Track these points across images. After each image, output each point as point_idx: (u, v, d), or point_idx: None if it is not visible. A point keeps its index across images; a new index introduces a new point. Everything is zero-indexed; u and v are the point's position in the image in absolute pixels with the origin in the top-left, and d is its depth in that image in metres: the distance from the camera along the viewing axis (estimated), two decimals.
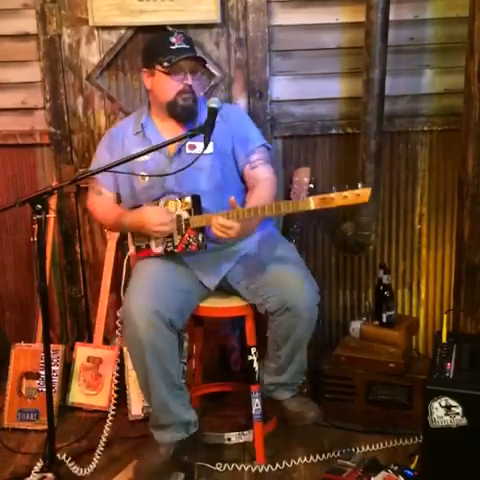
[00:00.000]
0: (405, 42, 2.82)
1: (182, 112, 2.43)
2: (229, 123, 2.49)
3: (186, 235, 2.36)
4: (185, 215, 2.36)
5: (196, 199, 2.36)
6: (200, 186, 2.44)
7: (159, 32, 2.64)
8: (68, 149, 3.00)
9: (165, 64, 2.38)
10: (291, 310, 2.31)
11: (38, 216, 2.12)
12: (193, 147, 2.43)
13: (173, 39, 2.39)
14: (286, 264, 2.41)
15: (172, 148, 2.43)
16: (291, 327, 2.36)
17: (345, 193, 2.06)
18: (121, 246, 3.02)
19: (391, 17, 2.62)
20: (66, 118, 2.98)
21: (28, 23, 2.88)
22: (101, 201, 2.57)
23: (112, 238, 2.98)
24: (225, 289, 2.52)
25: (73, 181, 2.33)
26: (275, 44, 2.84)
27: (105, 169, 2.24)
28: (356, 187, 2.06)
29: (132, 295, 2.34)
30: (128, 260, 2.68)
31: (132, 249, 2.56)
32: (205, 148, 2.24)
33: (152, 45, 2.48)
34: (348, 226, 2.94)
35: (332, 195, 2.07)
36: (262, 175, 2.50)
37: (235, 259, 2.50)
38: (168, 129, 2.47)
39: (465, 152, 2.55)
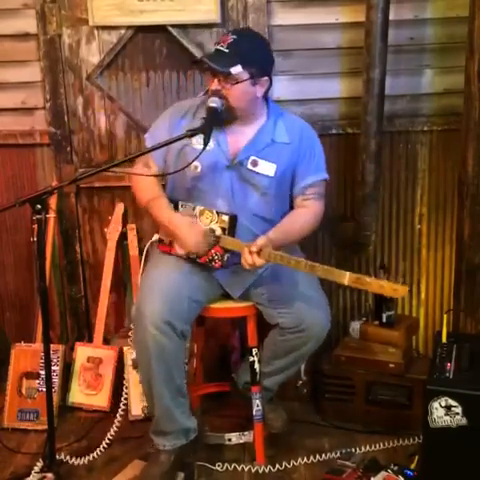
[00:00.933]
0: (405, 42, 2.82)
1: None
2: (298, 146, 2.40)
3: (213, 251, 2.32)
4: (218, 231, 2.31)
5: (233, 220, 2.30)
6: (250, 203, 2.38)
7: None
8: (68, 149, 3.00)
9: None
10: (304, 332, 2.33)
11: (38, 216, 2.12)
12: (255, 164, 2.36)
13: (222, 38, 2.29)
14: (307, 285, 2.40)
15: (234, 151, 2.36)
16: (297, 346, 2.38)
17: (382, 283, 2.05)
18: (121, 246, 3.03)
19: (391, 17, 2.62)
20: (66, 118, 2.97)
21: (28, 23, 2.88)
22: (145, 181, 2.42)
23: (112, 238, 2.99)
24: (242, 296, 2.48)
25: (73, 181, 2.33)
26: (275, 44, 2.84)
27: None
28: (396, 281, 2.09)
29: (147, 297, 2.28)
30: (147, 251, 2.59)
31: (155, 238, 2.48)
32: (204, 148, 2.23)
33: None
34: (348, 226, 2.94)
35: (368, 280, 2.05)
36: (311, 209, 2.43)
37: (260, 270, 2.40)
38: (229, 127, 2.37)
39: (465, 152, 2.55)
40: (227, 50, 2.24)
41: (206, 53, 2.31)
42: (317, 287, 2.46)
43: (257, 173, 2.36)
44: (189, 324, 2.33)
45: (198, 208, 2.35)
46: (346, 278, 2.07)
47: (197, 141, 2.30)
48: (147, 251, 2.57)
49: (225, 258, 2.32)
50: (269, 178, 2.37)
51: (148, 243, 2.57)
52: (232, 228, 2.30)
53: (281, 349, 2.42)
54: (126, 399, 2.71)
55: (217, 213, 2.31)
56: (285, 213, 2.43)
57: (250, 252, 2.18)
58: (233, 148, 2.37)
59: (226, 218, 2.30)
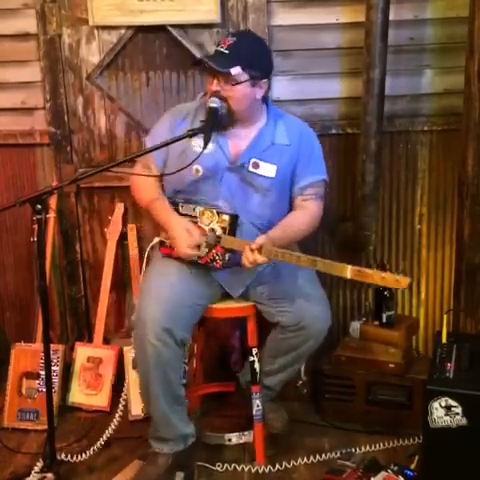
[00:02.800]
0: (405, 42, 2.82)
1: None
2: (298, 148, 2.41)
3: (214, 251, 2.32)
4: (219, 231, 2.31)
5: (234, 219, 2.30)
6: (251, 205, 2.38)
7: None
8: (68, 149, 3.00)
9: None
10: (304, 329, 2.33)
11: (38, 216, 2.13)
12: (256, 166, 2.37)
13: (222, 39, 2.30)
14: (306, 282, 2.40)
15: (234, 152, 2.37)
16: (297, 344, 2.38)
17: (384, 274, 2.06)
18: (121, 246, 3.03)
19: (391, 17, 2.62)
20: (66, 118, 2.97)
21: (28, 23, 2.88)
22: (145, 182, 2.44)
23: (112, 238, 2.99)
24: (242, 295, 2.48)
25: (73, 181, 2.33)
26: (275, 44, 2.84)
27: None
28: (398, 272, 2.08)
29: (148, 303, 2.28)
30: (148, 254, 2.56)
31: (156, 240, 2.48)
32: (204, 148, 2.23)
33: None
34: (348, 226, 2.94)
35: (370, 272, 2.07)
36: (309, 210, 2.44)
37: (259, 268, 2.41)
38: (230, 130, 2.37)
39: (465, 152, 2.55)
40: (227, 51, 2.25)
41: (206, 54, 2.31)
42: (317, 285, 2.46)
43: (258, 175, 2.37)
44: (189, 331, 2.34)
45: (198, 208, 2.35)
46: (348, 271, 2.09)
47: (198, 144, 2.30)
48: (148, 254, 2.56)
49: (226, 258, 2.32)
50: (270, 179, 2.38)
51: (149, 247, 2.55)
52: (233, 227, 2.30)
53: (282, 347, 2.42)
54: (125, 400, 2.71)
55: (217, 213, 2.31)
56: (285, 214, 2.44)
57: (251, 250, 2.19)
58: (234, 150, 2.38)
59: (226, 217, 2.30)
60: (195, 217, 2.35)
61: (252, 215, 2.37)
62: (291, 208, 2.47)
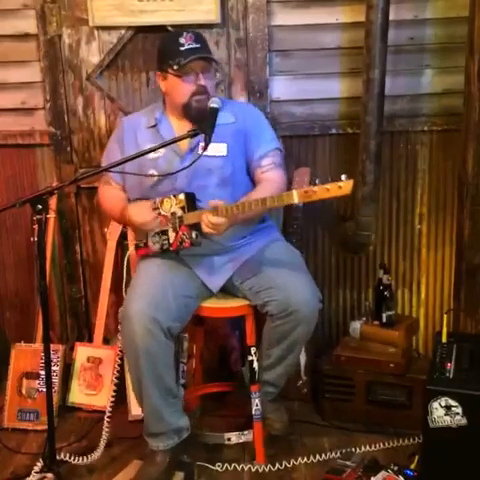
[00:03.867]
0: (405, 42, 2.83)
1: (197, 114, 2.38)
2: (243, 123, 2.47)
3: (180, 232, 2.36)
4: (179, 212, 2.35)
5: (190, 196, 2.35)
6: (210, 187, 2.42)
7: (170, 33, 2.60)
8: (68, 149, 3.01)
9: (175, 67, 2.35)
10: (292, 315, 2.32)
11: (38, 216, 2.12)
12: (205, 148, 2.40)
13: (182, 40, 2.34)
14: (291, 269, 2.40)
15: (184, 148, 2.42)
16: (288, 331, 2.37)
17: (327, 186, 2.04)
18: (121, 246, 3.03)
19: (391, 17, 2.62)
20: (66, 118, 2.98)
21: (28, 23, 2.88)
22: (109, 191, 2.57)
23: (112, 238, 2.98)
24: (228, 290, 2.51)
25: (73, 181, 2.33)
26: (275, 44, 2.85)
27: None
28: (339, 179, 2.03)
29: (132, 298, 2.33)
30: (128, 260, 2.68)
31: (131, 248, 2.56)
32: (205, 149, 2.24)
33: (163, 47, 2.44)
34: (348, 226, 2.94)
35: (315, 188, 2.06)
36: (270, 179, 2.46)
37: (239, 262, 2.48)
38: (183, 128, 2.40)
39: (465, 152, 2.55)
40: (198, 44, 2.36)
41: (185, 55, 2.33)
42: (302, 270, 2.45)
43: (209, 156, 2.36)
44: (177, 322, 2.34)
45: (157, 199, 2.41)
46: (294, 196, 2.09)
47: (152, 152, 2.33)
48: (128, 263, 2.66)
49: (193, 235, 2.34)
50: (223, 158, 2.42)
51: (126, 257, 2.67)
52: (191, 204, 2.35)
53: (273, 336, 2.41)
54: (119, 397, 2.71)
55: (174, 196, 2.37)
56: (248, 183, 2.49)
57: (206, 215, 2.22)
58: (182, 143, 2.40)
59: (182, 196, 2.35)
60: (157, 208, 2.41)
61: (213, 198, 2.35)
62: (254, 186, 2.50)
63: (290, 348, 2.44)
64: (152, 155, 2.35)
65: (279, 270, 2.40)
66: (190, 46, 2.34)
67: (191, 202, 2.36)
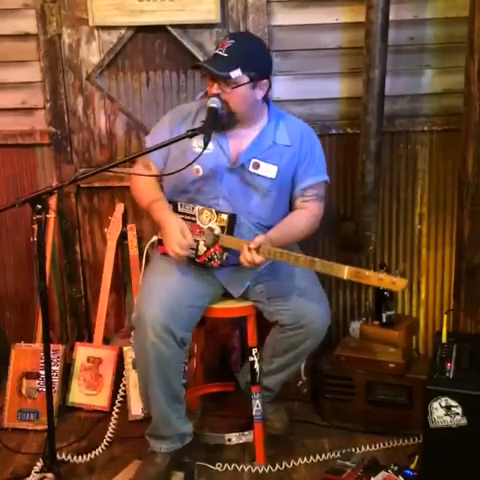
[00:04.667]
0: (405, 42, 2.82)
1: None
2: (299, 149, 2.41)
3: (212, 250, 2.32)
4: (217, 230, 2.30)
5: (232, 219, 2.30)
6: (251, 205, 2.38)
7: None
8: (68, 149, 3.00)
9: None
10: (303, 328, 2.33)
11: (38, 216, 2.12)
12: (257, 166, 2.36)
13: (220, 43, 2.30)
14: (306, 282, 2.40)
15: (234, 152, 2.37)
16: (297, 343, 2.38)
17: (381, 276, 2.06)
18: (121, 246, 3.03)
19: (391, 17, 2.62)
20: (66, 118, 2.98)
21: (28, 23, 2.88)
22: (146, 180, 2.43)
23: (112, 238, 2.99)
24: (242, 294, 2.48)
25: (73, 181, 2.33)
26: (275, 44, 2.84)
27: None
28: (395, 274, 2.11)
29: (148, 303, 2.27)
30: (147, 252, 2.56)
31: (154, 238, 2.47)
32: (205, 148, 2.23)
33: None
34: (348, 226, 2.94)
35: (367, 273, 2.07)
36: (309, 210, 2.44)
37: (259, 269, 2.41)
38: (231, 131, 2.37)
39: (465, 152, 2.55)
40: (226, 54, 2.25)
41: (205, 58, 2.30)
42: (316, 283, 2.46)
43: (259, 175, 2.37)
44: (189, 331, 2.34)
45: (197, 207, 2.35)
46: (345, 272, 2.09)
47: (198, 145, 2.31)
48: (147, 252, 2.56)
49: (224, 257, 2.31)
50: (271, 180, 2.38)
51: (147, 244, 2.55)
52: (231, 227, 2.30)
53: (280, 346, 2.42)
54: (123, 397, 2.70)
55: (216, 212, 2.31)
56: (285, 215, 2.44)
57: (249, 249, 2.19)
58: (235, 151, 2.38)
59: (225, 217, 2.30)
60: (193, 216, 2.35)
61: (252, 216, 2.38)
62: (291, 209, 2.47)
63: (295, 359, 2.45)
64: (200, 149, 2.24)
65: (295, 281, 2.39)
66: (219, 52, 2.26)
67: (232, 225, 2.30)
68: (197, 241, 2.33)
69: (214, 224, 2.32)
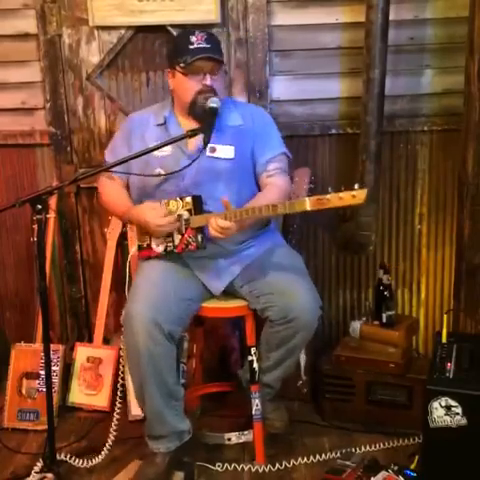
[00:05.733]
0: (405, 42, 2.83)
1: (202, 112, 2.35)
2: (252, 125, 2.46)
3: (186, 235, 2.35)
4: (186, 215, 2.34)
5: (197, 199, 2.34)
6: (217, 190, 2.40)
7: (184, 31, 2.56)
8: (68, 149, 3.01)
9: (182, 65, 2.34)
10: (292, 321, 2.32)
11: (38, 216, 2.13)
12: (213, 150, 2.39)
13: (193, 38, 2.33)
14: (292, 275, 2.40)
15: (193, 148, 2.39)
16: (288, 337, 2.37)
17: (341, 194, 2.03)
18: (121, 246, 3.03)
19: (391, 17, 2.62)
20: (66, 118, 2.98)
21: (28, 23, 2.88)
22: (111, 186, 2.52)
23: (112, 238, 2.99)
24: (229, 292, 2.50)
25: (73, 181, 2.33)
26: (275, 44, 2.85)
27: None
28: (353, 188, 2.03)
29: (133, 301, 2.31)
30: (130, 261, 2.68)
31: (133, 248, 2.54)
32: (205, 148, 2.24)
33: (173, 45, 2.44)
34: (348, 226, 2.94)
35: (328, 196, 2.05)
36: (276, 184, 2.45)
37: (241, 265, 2.47)
38: (191, 127, 2.37)
39: (465, 152, 2.55)
40: (209, 45, 2.33)
41: (193, 53, 2.31)
42: (304, 277, 2.44)
43: (217, 158, 2.39)
44: (179, 325, 2.34)
45: (163, 201, 2.38)
46: (307, 204, 2.08)
47: (158, 150, 2.32)
48: (130, 264, 2.65)
49: (199, 239, 2.34)
50: (230, 161, 2.41)
51: (129, 257, 2.67)
52: (198, 207, 2.34)
53: (273, 341, 2.41)
54: (122, 398, 2.70)
55: (180, 198, 2.35)
56: (254, 187, 2.48)
57: (215, 219, 2.21)
58: (190, 143, 2.40)
59: (189, 199, 2.34)
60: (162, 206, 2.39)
61: (220, 203, 2.33)
62: (259, 190, 2.49)
63: (289, 353, 2.44)
64: (159, 153, 2.33)
65: (280, 276, 2.39)
66: (200, 45, 2.32)
67: (198, 205, 2.34)
68: (171, 232, 2.37)
69: (182, 211, 2.35)
